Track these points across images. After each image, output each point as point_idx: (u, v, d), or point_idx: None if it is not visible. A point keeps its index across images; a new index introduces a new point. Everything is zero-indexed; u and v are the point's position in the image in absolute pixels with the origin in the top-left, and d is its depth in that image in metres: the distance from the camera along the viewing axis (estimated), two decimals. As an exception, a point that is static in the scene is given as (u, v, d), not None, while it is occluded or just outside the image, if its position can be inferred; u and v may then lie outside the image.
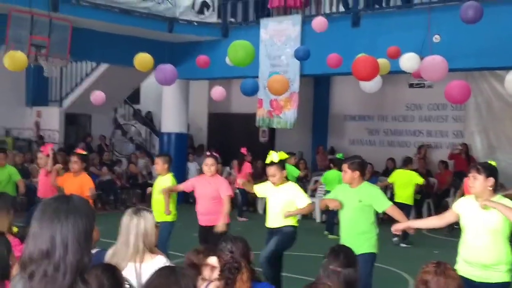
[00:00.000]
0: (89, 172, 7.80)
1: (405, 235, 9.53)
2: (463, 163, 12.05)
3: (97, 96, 8.99)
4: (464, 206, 4.44)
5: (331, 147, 15.07)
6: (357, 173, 5.24)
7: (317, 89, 15.73)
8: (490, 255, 4.20)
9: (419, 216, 11.83)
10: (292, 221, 5.84)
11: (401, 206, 9.65)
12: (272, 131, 15.35)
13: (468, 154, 12.42)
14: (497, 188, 4.35)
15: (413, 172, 9.99)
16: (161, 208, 6.79)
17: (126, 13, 11.05)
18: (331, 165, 11.02)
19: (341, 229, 5.41)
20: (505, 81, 7.01)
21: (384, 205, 5.24)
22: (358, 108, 14.87)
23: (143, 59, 8.73)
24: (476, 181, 4.26)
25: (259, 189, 6.14)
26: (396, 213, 5.24)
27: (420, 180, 9.82)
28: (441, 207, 11.22)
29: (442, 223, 4.74)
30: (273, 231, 5.88)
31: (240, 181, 6.12)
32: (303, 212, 5.89)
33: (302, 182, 12.86)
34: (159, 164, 7.01)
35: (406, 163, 10.28)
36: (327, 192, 10.12)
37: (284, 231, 5.82)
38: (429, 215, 11.95)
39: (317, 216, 12.00)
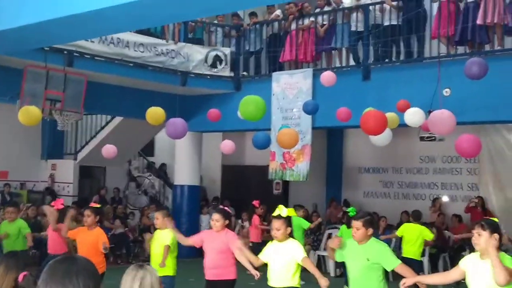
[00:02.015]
0: (103, 225, 7.80)
1: None
2: (480, 216, 11.83)
3: (109, 149, 9.07)
4: (469, 262, 4.39)
5: (344, 199, 14.95)
6: (370, 230, 5.14)
7: (331, 141, 15.74)
8: None
9: (435, 270, 11.60)
10: (296, 282, 5.70)
11: (408, 261, 9.52)
12: (286, 183, 15.29)
13: (484, 207, 12.22)
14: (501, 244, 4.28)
15: (423, 227, 9.81)
16: (158, 263, 6.76)
17: (140, 67, 11.25)
18: (342, 220, 10.78)
19: (350, 282, 5.29)
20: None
21: (393, 263, 5.11)
22: (372, 160, 14.81)
23: (155, 112, 8.83)
24: (481, 238, 4.23)
25: (264, 257, 5.93)
26: (405, 270, 5.11)
27: (430, 236, 9.61)
28: (457, 261, 10.96)
29: (448, 280, 4.65)
30: None
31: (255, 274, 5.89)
32: (314, 269, 5.66)
33: (315, 235, 12.74)
34: (159, 219, 6.98)
35: (416, 217, 10.09)
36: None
37: None
38: (445, 269, 11.71)
39: (331, 270, 11.79)
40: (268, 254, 5.81)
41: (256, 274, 5.95)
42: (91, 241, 6.80)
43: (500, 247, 4.29)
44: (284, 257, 5.66)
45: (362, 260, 5.11)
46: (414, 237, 9.55)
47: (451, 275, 4.57)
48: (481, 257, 4.28)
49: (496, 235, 4.21)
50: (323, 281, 5.31)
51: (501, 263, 4.08)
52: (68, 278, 1.90)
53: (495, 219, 4.47)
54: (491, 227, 4.23)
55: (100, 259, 6.89)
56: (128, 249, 13.06)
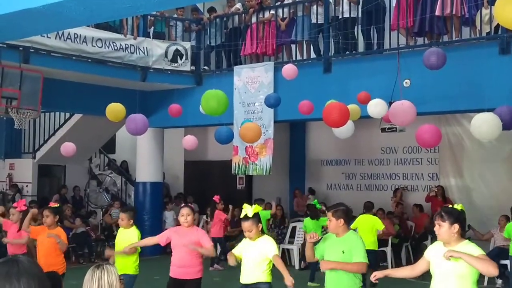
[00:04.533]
0: (63, 225, 7.65)
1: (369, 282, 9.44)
2: (440, 205, 12.02)
3: (68, 147, 8.88)
4: (433, 252, 4.42)
5: (309, 187, 14.99)
6: (341, 221, 5.13)
7: (293, 134, 15.77)
8: None
9: (398, 260, 11.75)
10: (267, 277, 5.68)
11: (366, 253, 9.65)
12: (249, 178, 15.25)
13: (444, 196, 12.42)
14: (466, 231, 4.32)
15: (375, 217, 9.95)
16: (124, 261, 6.68)
17: (98, 63, 11.03)
18: (307, 211, 10.76)
19: (326, 280, 5.28)
20: (471, 125, 7.08)
21: (357, 259, 5.10)
22: (334, 152, 14.89)
23: (114, 109, 8.69)
24: (442, 229, 4.26)
25: (238, 252, 5.91)
26: (363, 269, 5.13)
27: (381, 226, 9.75)
28: (419, 250, 11.14)
29: (416, 273, 4.66)
30: None
31: (231, 261, 5.85)
32: (282, 267, 5.62)
33: (280, 228, 12.76)
34: (125, 220, 6.90)
35: (368, 208, 10.23)
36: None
37: None
38: (408, 258, 11.88)
39: (296, 263, 11.84)
40: (241, 251, 5.79)
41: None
42: (50, 241, 6.70)
43: (464, 236, 4.33)
44: (257, 254, 5.64)
45: (338, 253, 5.11)
46: (367, 227, 9.68)
47: (418, 267, 4.60)
48: (444, 245, 4.30)
49: (456, 225, 4.22)
50: (288, 281, 5.33)
51: (467, 255, 4.08)
52: (8, 281, 1.87)
53: (459, 206, 4.47)
54: (451, 218, 4.25)
55: (59, 259, 6.80)
56: (90, 248, 12.84)
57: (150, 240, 6.74)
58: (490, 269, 4.07)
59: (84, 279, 3.35)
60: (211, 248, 6.35)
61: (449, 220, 4.24)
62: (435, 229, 4.34)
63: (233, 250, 5.92)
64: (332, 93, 9.74)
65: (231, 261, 5.78)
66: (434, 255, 4.40)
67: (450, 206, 4.56)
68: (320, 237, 5.32)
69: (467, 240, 4.32)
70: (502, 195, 12.17)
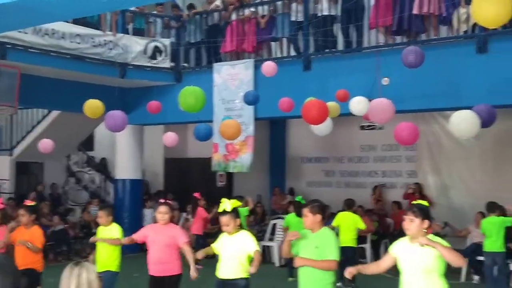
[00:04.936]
0: (40, 223, 7.59)
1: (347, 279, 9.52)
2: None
3: (45, 144, 8.79)
4: (399, 248, 4.50)
5: (290, 188, 15.04)
6: (318, 216, 5.17)
7: (273, 131, 15.79)
8: None
9: (377, 256, 11.83)
10: (245, 273, 5.69)
11: (344, 250, 9.72)
12: (229, 175, 15.25)
13: (422, 194, 12.53)
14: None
15: (357, 216, 10.01)
16: (105, 259, 6.68)
17: (77, 59, 10.93)
18: (291, 208, 10.81)
19: (299, 276, 5.30)
20: (450, 122, 7.15)
21: (329, 256, 5.11)
22: (314, 150, 14.94)
23: (92, 105, 8.62)
24: (413, 224, 4.36)
25: (217, 246, 5.93)
26: (332, 267, 5.13)
27: (362, 226, 9.82)
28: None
29: (381, 269, 4.73)
30: (225, 283, 5.71)
31: (199, 254, 5.92)
32: (257, 263, 5.65)
33: (260, 225, 12.77)
34: (103, 218, 6.89)
35: (349, 205, 10.26)
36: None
37: (238, 284, 5.67)
38: (387, 255, 11.96)
39: (276, 260, 11.86)
40: (219, 246, 5.80)
41: (195, 275, 6.06)
42: (27, 239, 6.68)
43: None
44: (235, 249, 5.66)
45: (311, 248, 5.13)
46: (348, 225, 9.75)
47: (383, 263, 4.68)
48: (411, 241, 4.39)
49: (426, 221, 4.38)
50: (252, 269, 5.48)
51: (440, 244, 4.24)
52: None
53: (425, 203, 4.57)
54: (422, 214, 4.38)
55: (37, 257, 6.77)
56: (69, 246, 12.74)
57: (130, 239, 6.72)
58: (458, 260, 4.24)
59: (62, 276, 3.31)
60: (187, 247, 6.32)
61: (421, 215, 4.37)
62: (404, 223, 4.42)
63: (213, 244, 5.94)
64: (312, 91, 9.76)
65: (200, 255, 5.87)
66: (401, 251, 4.49)
67: (418, 202, 4.64)
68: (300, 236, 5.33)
69: (432, 235, 4.43)
70: (479, 192, 12.32)
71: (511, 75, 8.59)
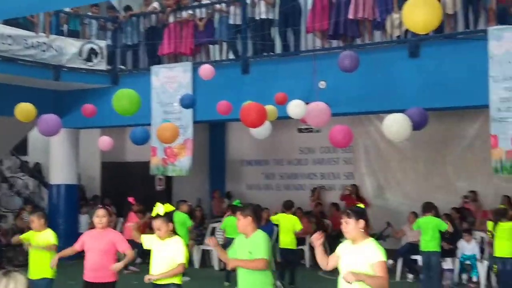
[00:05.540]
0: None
1: (292, 280, 9.64)
2: (354, 203, 12.36)
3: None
4: (342, 249, 4.54)
5: (227, 192, 15.04)
6: (249, 219, 5.16)
7: (213, 135, 15.76)
8: None
9: (315, 258, 11.96)
10: (176, 279, 5.65)
11: (285, 252, 9.83)
12: (169, 179, 15.11)
13: (358, 195, 12.78)
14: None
15: (295, 218, 10.12)
16: (40, 265, 6.51)
17: (9, 61, 10.57)
18: (230, 212, 10.80)
19: (238, 279, 5.29)
20: (383, 125, 7.31)
21: (258, 255, 5.08)
22: (254, 153, 15.00)
23: (24, 109, 8.35)
24: (349, 226, 4.40)
25: (146, 240, 5.92)
26: (259, 266, 5.11)
27: (299, 227, 9.93)
28: (336, 248, 11.39)
29: (329, 267, 4.76)
30: None
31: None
32: (172, 273, 5.61)
33: (199, 229, 12.69)
34: (35, 222, 6.71)
35: (288, 207, 10.34)
36: (228, 239, 9.98)
37: None
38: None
39: (215, 264, 11.82)
40: (151, 245, 5.77)
41: (114, 267, 6.07)
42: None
43: (368, 233, 4.49)
44: (166, 254, 5.60)
45: (245, 254, 5.13)
46: (287, 226, 9.84)
47: (330, 262, 4.69)
48: (353, 243, 4.44)
49: (361, 221, 4.39)
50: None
51: (365, 276, 4.22)
52: None
53: (361, 206, 4.64)
54: (356, 215, 4.40)
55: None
56: (1, 253, 12.28)
57: (71, 250, 6.54)
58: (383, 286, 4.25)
59: None
60: (128, 251, 6.23)
61: (355, 216, 4.40)
62: (342, 227, 4.46)
63: (142, 235, 5.93)
64: (250, 94, 9.80)
65: (135, 236, 6.03)
66: (341, 252, 4.55)
67: (355, 205, 4.72)
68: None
69: (371, 239, 4.46)
70: (412, 193, 12.71)
71: (442, 79, 8.89)
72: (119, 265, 6.13)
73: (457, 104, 9.06)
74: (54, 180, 13.22)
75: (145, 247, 5.89)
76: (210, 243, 5.38)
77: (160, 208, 5.64)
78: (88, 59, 11.66)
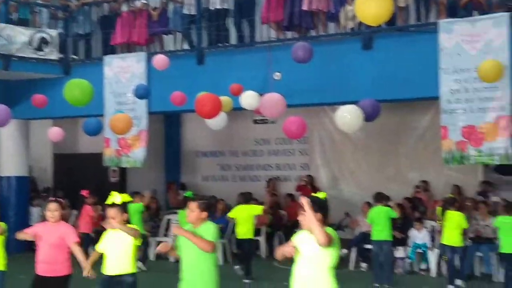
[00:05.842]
0: None
1: (248, 270, 9.72)
2: (309, 193, 12.45)
3: None
4: (298, 239, 4.55)
5: (182, 183, 14.96)
6: (204, 214, 5.14)
7: (168, 126, 15.61)
8: (310, 285, 4.37)
9: (271, 247, 12.05)
10: (132, 268, 5.59)
11: (242, 242, 9.88)
12: (123, 170, 14.92)
13: (313, 186, 12.89)
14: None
15: (251, 206, 10.19)
16: None
17: (-46, 50, 10.26)
18: (183, 205, 10.79)
19: (183, 270, 5.24)
20: (336, 116, 7.39)
21: (207, 238, 5.03)
22: (209, 144, 14.94)
23: (-29, 99, 8.12)
24: (305, 217, 4.38)
25: (102, 247, 5.75)
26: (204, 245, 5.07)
27: (258, 210, 10.00)
28: (291, 237, 11.49)
29: (282, 256, 4.76)
30: (112, 281, 5.58)
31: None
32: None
33: (154, 221, 12.58)
34: None
35: (246, 199, 10.39)
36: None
37: (125, 281, 5.57)
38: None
39: (172, 256, 11.76)
40: (105, 243, 5.65)
41: (91, 274, 5.84)
42: None
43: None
44: (120, 243, 5.54)
45: (193, 244, 5.08)
46: (245, 217, 9.87)
47: (285, 250, 4.70)
48: (310, 233, 4.44)
49: (318, 214, 4.34)
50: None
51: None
52: None
53: (322, 194, 4.62)
54: (314, 206, 4.37)
55: None
56: None
57: (21, 234, 6.35)
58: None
59: None
60: (73, 244, 6.09)
61: (313, 208, 4.35)
62: (299, 218, 4.46)
63: (97, 245, 5.79)
64: (205, 85, 9.74)
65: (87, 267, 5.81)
66: (300, 242, 4.53)
67: (314, 194, 4.71)
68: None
69: (329, 228, 4.47)
70: (365, 183, 12.90)
71: (395, 71, 9.03)
72: (85, 265, 5.95)
73: (409, 95, 9.22)
74: (4, 172, 12.94)
75: (102, 251, 5.72)
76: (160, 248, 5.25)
77: (117, 197, 5.55)
78: (39, 48, 11.39)
